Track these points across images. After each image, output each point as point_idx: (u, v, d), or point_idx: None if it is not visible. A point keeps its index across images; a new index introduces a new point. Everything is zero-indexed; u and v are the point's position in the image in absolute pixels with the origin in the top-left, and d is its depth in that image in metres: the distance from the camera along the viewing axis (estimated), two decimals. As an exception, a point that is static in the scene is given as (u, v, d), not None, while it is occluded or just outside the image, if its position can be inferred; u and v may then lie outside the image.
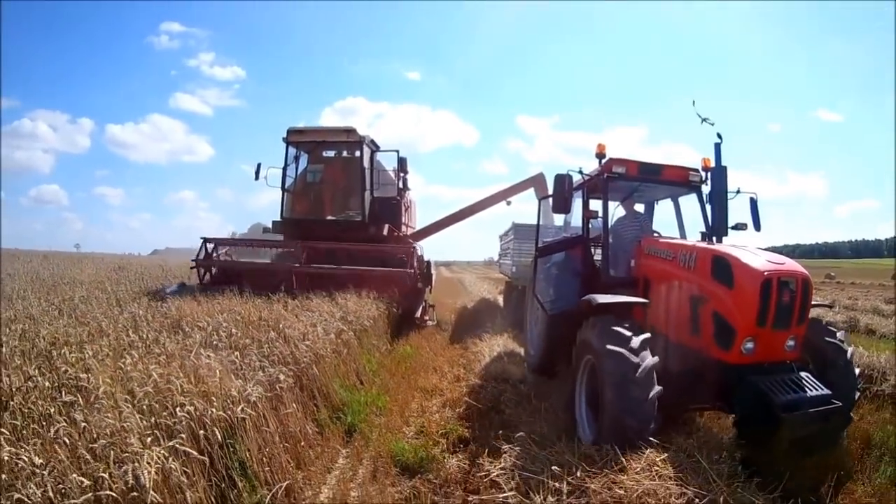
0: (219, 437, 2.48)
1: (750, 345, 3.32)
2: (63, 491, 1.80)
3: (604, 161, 4.69)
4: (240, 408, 2.72)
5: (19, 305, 6.27)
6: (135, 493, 1.88)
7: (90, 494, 1.77)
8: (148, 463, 1.99)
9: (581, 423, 3.69)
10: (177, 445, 2.21)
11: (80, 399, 2.66)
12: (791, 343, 3.41)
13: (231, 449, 2.63)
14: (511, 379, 5.36)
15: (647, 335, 3.33)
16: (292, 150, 9.60)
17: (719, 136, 4.08)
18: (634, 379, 3.05)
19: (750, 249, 3.65)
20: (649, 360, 3.15)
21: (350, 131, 9.44)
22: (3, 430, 2.19)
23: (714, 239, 4.11)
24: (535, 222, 8.82)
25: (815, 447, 3.27)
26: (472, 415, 4.50)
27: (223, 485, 2.49)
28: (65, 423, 2.26)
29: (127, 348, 3.85)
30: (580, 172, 4.76)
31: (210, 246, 8.95)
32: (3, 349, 3.78)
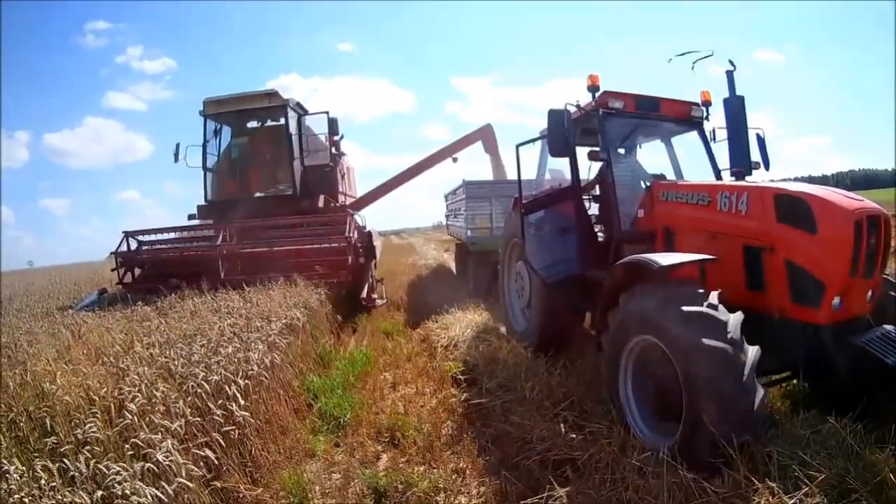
0: (314, 306, 5.91)
1: (837, 299, 2.81)
2: (257, 328, 5.04)
3: (598, 95, 4.08)
4: (313, 298, 6.13)
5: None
6: (296, 321, 5.22)
7: (276, 324, 5.02)
8: (293, 313, 5.34)
9: (633, 423, 3.00)
10: (300, 309, 5.56)
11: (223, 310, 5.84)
12: (870, 294, 2.94)
13: (310, 322, 5.98)
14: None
15: (741, 314, 2.62)
16: (211, 125, 8.82)
17: (732, 63, 3.59)
18: (741, 386, 2.39)
19: (818, 186, 3.05)
20: (753, 350, 2.50)
21: (272, 94, 8.68)
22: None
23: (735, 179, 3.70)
24: (484, 179, 9.24)
25: None
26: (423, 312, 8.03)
27: (311, 332, 5.86)
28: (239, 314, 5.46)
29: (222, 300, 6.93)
30: (577, 106, 4.15)
31: (133, 242, 7.81)
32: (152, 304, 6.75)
